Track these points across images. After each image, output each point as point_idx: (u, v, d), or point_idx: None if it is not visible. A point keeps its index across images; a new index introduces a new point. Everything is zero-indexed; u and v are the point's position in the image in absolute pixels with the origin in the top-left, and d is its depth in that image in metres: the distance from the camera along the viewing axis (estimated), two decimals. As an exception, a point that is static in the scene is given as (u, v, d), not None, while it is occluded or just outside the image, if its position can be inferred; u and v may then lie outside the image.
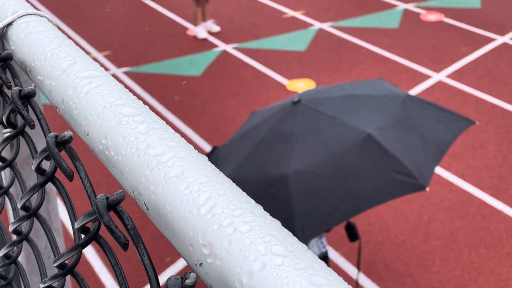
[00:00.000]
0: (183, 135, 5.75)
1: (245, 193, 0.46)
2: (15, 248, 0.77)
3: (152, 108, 6.00)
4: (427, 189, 2.43)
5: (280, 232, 0.41)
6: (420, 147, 2.40)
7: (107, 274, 4.16)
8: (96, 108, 0.56)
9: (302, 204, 2.28)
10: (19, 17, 0.77)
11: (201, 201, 0.43)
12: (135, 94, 6.67)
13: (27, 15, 0.78)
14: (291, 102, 2.60)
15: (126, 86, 6.16)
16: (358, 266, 3.58)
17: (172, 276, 0.39)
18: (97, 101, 0.57)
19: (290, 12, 8.72)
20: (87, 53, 7.61)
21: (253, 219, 0.42)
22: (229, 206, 0.43)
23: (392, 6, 8.75)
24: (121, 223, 0.47)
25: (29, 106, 0.65)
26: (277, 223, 0.42)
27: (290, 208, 2.27)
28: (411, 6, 8.66)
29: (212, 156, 2.86)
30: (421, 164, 2.36)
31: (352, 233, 3.41)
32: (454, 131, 2.59)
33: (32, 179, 1.10)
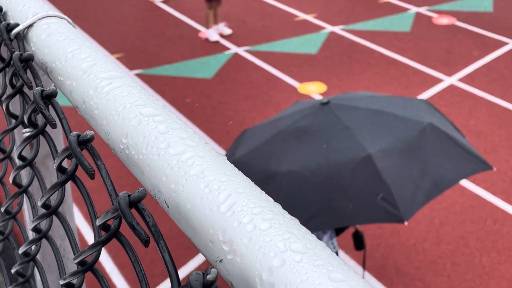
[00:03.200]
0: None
1: (263, 192, 0.46)
2: (33, 246, 0.79)
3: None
4: (406, 223, 2.40)
5: (299, 230, 0.42)
6: (416, 181, 2.38)
7: (118, 275, 4.19)
8: (117, 108, 0.57)
9: (284, 206, 2.28)
10: (39, 19, 0.79)
11: (221, 199, 0.44)
12: (147, 96, 6.72)
13: (47, 17, 0.79)
14: (320, 102, 2.61)
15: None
16: (363, 275, 3.58)
17: (193, 271, 0.40)
18: (118, 101, 0.58)
19: (302, 15, 8.73)
20: (100, 55, 7.67)
21: (272, 216, 0.43)
22: (248, 204, 0.44)
23: (404, 9, 8.73)
24: (142, 220, 0.48)
25: (50, 106, 0.67)
26: (296, 221, 0.43)
27: None
28: (423, 10, 8.64)
29: (240, 136, 2.88)
30: (410, 198, 2.33)
31: (359, 242, 3.40)
32: (463, 172, 2.57)
33: (47, 179, 1.12)
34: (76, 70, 0.66)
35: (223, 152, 5.46)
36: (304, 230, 0.42)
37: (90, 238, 4.46)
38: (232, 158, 2.60)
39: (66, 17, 0.81)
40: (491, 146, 5.35)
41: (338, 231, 3.13)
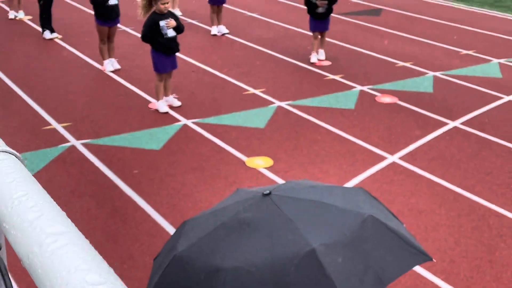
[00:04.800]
0: (141, 209, 5.72)
1: None
2: None
3: (110, 182, 5.95)
4: None
5: None
6: (359, 275, 2.41)
7: None
8: (61, 271, 0.59)
9: None
10: (-12, 154, 0.81)
11: None
12: (93, 167, 6.63)
13: (-4, 153, 0.81)
14: (262, 193, 2.61)
15: (85, 159, 6.11)
16: None
17: None
18: (63, 263, 0.60)
19: (251, 89, 8.93)
20: (47, 124, 7.60)
21: None
22: None
23: (349, 87, 9.06)
24: None
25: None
26: None
27: None
28: (366, 88, 8.98)
29: (180, 227, 2.83)
30: None
31: None
32: (404, 265, 2.62)
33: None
34: (22, 221, 0.68)
35: (170, 227, 5.42)
36: None
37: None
38: (174, 252, 2.57)
39: (15, 152, 0.83)
40: (432, 225, 5.50)
41: None
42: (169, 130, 7.49)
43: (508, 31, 11.93)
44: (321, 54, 10.25)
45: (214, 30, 11.84)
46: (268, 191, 2.55)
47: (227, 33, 11.81)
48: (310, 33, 10.53)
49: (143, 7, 7.85)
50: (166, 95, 8.20)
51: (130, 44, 11.10)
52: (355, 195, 2.73)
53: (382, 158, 6.81)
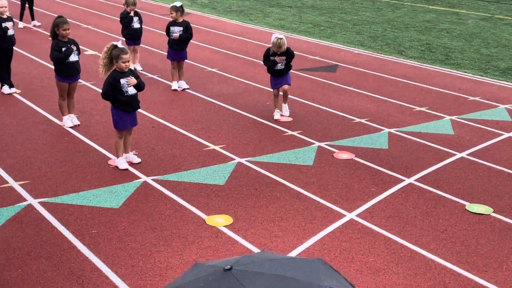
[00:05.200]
0: (98, 270, 5.64)
1: None
2: None
3: (68, 243, 5.89)
4: None
5: None
6: None
7: None
8: None
9: None
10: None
11: None
12: (50, 227, 6.56)
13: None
14: (223, 267, 2.62)
15: (42, 218, 6.07)
16: None
17: None
18: None
19: (211, 145, 9.01)
20: (4, 182, 7.49)
21: None
22: None
23: (308, 143, 9.24)
24: None
25: None
26: None
27: None
28: (324, 144, 9.17)
29: None
30: None
31: None
32: None
33: None
34: None
35: (128, 290, 5.36)
36: None
37: None
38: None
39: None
40: (390, 284, 5.58)
41: None
42: (129, 188, 7.47)
43: (459, 88, 12.42)
44: (285, 109, 10.47)
45: (175, 85, 11.98)
46: (229, 266, 2.58)
47: (188, 88, 11.96)
48: (270, 89, 10.77)
49: (104, 65, 7.93)
50: (126, 152, 8.21)
51: (90, 99, 11.11)
52: (315, 267, 2.78)
53: (341, 216, 6.92)
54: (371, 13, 20.67)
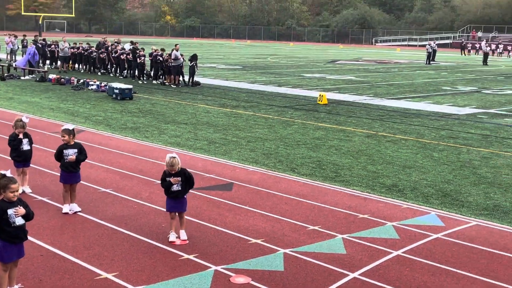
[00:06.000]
0: None
1: None
2: None
3: None
4: None
5: None
6: None
7: None
8: None
9: None
10: None
11: None
12: None
13: None
14: None
15: None
16: None
17: None
18: None
19: (103, 274, 8.67)
20: None
21: None
22: None
23: (204, 267, 9.13)
24: None
25: None
26: None
27: None
28: (220, 268, 9.10)
29: None
30: None
31: None
32: None
33: None
34: None
35: None
36: None
37: None
38: None
39: None
40: None
41: None
42: (12, 326, 6.94)
43: (349, 206, 12.93)
44: (183, 234, 10.38)
45: (66, 208, 11.61)
46: None
47: (79, 211, 11.62)
48: (165, 210, 10.69)
49: (-10, 194, 7.59)
50: (10, 285, 7.70)
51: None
52: None
53: None
54: (263, 130, 21.48)
